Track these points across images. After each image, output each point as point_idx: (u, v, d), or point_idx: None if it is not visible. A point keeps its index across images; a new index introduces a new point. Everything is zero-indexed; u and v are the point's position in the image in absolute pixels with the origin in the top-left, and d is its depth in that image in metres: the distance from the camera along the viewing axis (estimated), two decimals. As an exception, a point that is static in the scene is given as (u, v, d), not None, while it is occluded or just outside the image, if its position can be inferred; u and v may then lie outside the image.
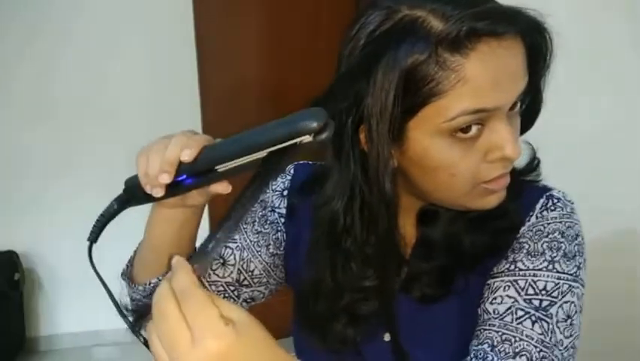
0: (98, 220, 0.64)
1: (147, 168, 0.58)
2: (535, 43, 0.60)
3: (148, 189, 0.59)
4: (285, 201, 0.82)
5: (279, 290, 0.88)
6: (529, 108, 0.67)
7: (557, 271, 0.64)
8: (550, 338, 0.61)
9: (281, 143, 0.47)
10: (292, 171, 0.85)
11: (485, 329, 0.63)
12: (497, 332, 0.62)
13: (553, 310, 0.62)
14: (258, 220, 0.83)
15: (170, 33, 2.64)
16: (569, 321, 0.63)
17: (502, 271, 0.67)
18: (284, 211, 0.82)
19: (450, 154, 0.59)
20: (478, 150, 0.59)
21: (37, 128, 2.64)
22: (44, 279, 2.74)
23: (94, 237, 0.64)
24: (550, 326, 0.62)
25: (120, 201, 0.64)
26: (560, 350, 0.61)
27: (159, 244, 0.71)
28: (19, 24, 2.54)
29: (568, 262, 0.65)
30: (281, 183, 0.84)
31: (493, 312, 0.64)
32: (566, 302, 0.63)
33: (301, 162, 0.86)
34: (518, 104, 0.61)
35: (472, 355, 0.63)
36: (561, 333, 0.62)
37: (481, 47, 0.54)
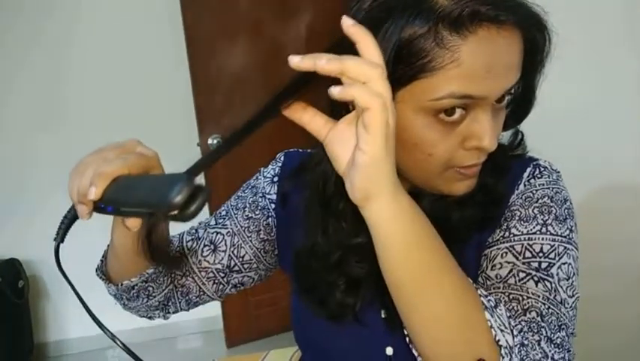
0: (61, 222, 0.63)
1: (71, 193, 0.58)
2: (533, 39, 0.60)
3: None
4: (275, 187, 0.83)
5: (269, 277, 0.89)
6: (519, 105, 0.68)
7: (551, 234, 0.65)
8: (555, 295, 0.62)
9: (154, 210, 0.47)
10: (282, 158, 0.86)
11: (491, 293, 0.63)
12: (504, 292, 0.62)
13: (553, 270, 0.63)
14: (248, 206, 0.84)
15: (158, 28, 2.64)
16: (570, 281, 0.64)
17: (498, 240, 0.67)
18: (274, 197, 0.83)
19: (429, 134, 0.59)
20: (457, 136, 0.60)
21: (41, 136, 2.64)
22: (49, 285, 2.74)
23: (59, 238, 0.64)
24: (553, 285, 0.62)
25: None
26: (566, 307, 0.62)
27: (121, 248, 0.70)
28: (22, 28, 2.53)
29: (560, 225, 0.66)
30: (271, 169, 0.85)
31: (496, 277, 0.65)
32: (563, 263, 0.64)
33: (291, 150, 0.87)
34: (506, 98, 0.61)
35: None
36: (564, 292, 0.63)
37: (480, 31, 0.54)
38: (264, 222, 0.83)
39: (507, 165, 0.71)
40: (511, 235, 0.67)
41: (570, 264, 0.65)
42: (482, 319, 0.54)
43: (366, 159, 0.49)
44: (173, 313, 0.86)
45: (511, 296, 0.62)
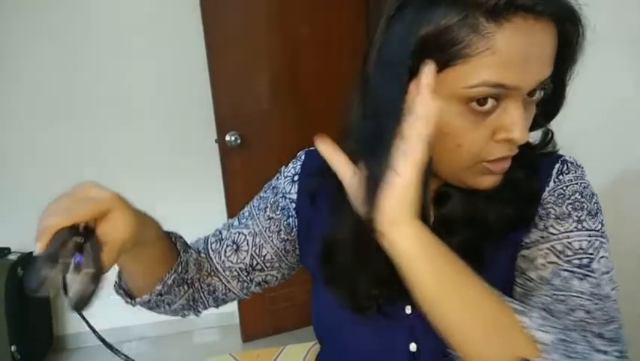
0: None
1: None
2: (567, 33, 0.60)
3: None
4: (296, 186, 0.84)
5: (292, 275, 0.91)
6: (550, 102, 0.68)
7: (587, 229, 0.66)
8: (599, 291, 0.62)
9: None
10: (303, 157, 0.87)
11: (535, 296, 0.64)
12: (548, 294, 0.63)
13: (594, 265, 0.64)
14: (269, 206, 0.85)
15: (176, 23, 2.66)
16: (609, 274, 0.64)
17: (537, 240, 0.68)
18: (294, 197, 0.84)
19: (460, 123, 0.60)
20: (487, 127, 0.60)
21: (56, 127, 2.67)
22: (69, 278, 2.77)
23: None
24: (596, 280, 0.63)
25: None
26: (611, 302, 0.63)
27: (124, 268, 0.75)
28: (28, 23, 2.56)
29: (593, 219, 0.67)
30: (292, 168, 0.86)
31: (539, 279, 0.65)
32: (602, 257, 0.65)
33: (312, 147, 0.86)
34: (537, 93, 0.62)
35: None
36: (607, 285, 0.63)
37: (517, 20, 0.55)
38: (285, 223, 0.84)
39: (537, 163, 0.71)
40: (550, 235, 0.67)
41: (607, 257, 0.66)
42: (514, 321, 0.56)
43: (400, 182, 0.54)
44: (203, 310, 0.89)
45: (555, 297, 0.63)
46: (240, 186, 2.53)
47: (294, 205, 0.84)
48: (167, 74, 2.71)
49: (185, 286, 0.82)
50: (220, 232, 0.87)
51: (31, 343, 2.49)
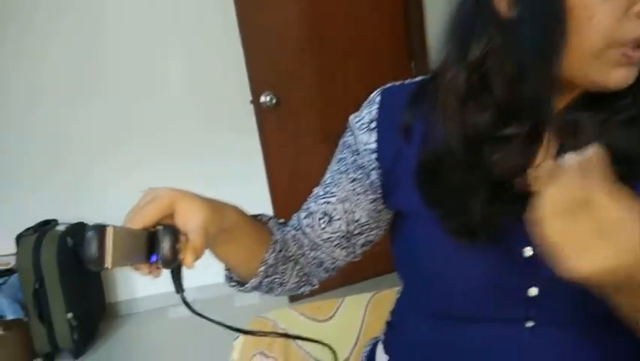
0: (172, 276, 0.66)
1: None
2: None
3: None
4: (375, 134, 0.75)
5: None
6: None
7: None
8: None
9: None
10: (379, 98, 0.77)
11: None
12: None
13: None
14: (350, 167, 0.79)
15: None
16: None
17: None
18: (374, 146, 0.75)
19: None
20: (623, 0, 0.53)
21: (88, 99, 2.68)
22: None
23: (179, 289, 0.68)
24: None
25: None
26: None
27: (224, 259, 0.77)
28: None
29: None
30: (366, 114, 0.77)
31: None
32: None
33: (386, 85, 0.79)
34: None
35: None
36: None
37: None
38: (368, 182, 0.77)
39: None
40: None
41: None
42: None
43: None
44: (318, 282, 0.89)
45: None
46: (278, 146, 2.51)
47: (374, 156, 0.75)
48: (198, 39, 2.68)
49: (291, 264, 0.82)
50: (309, 206, 0.83)
51: (86, 310, 2.57)
